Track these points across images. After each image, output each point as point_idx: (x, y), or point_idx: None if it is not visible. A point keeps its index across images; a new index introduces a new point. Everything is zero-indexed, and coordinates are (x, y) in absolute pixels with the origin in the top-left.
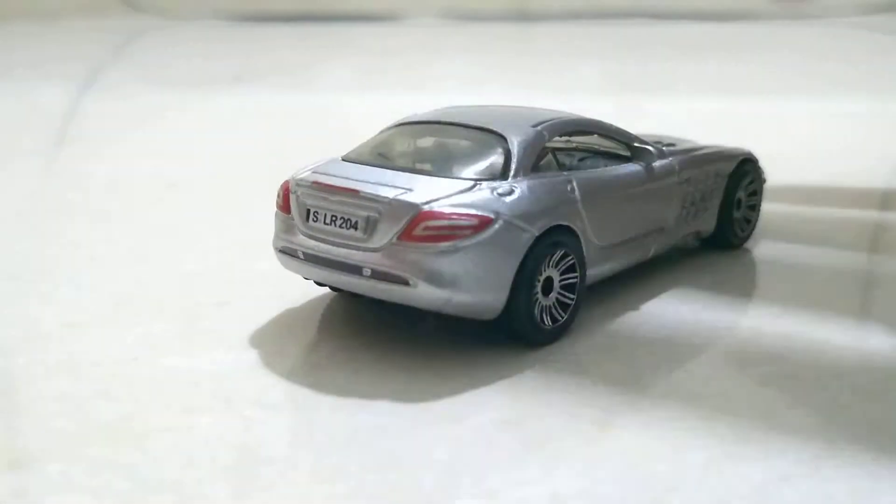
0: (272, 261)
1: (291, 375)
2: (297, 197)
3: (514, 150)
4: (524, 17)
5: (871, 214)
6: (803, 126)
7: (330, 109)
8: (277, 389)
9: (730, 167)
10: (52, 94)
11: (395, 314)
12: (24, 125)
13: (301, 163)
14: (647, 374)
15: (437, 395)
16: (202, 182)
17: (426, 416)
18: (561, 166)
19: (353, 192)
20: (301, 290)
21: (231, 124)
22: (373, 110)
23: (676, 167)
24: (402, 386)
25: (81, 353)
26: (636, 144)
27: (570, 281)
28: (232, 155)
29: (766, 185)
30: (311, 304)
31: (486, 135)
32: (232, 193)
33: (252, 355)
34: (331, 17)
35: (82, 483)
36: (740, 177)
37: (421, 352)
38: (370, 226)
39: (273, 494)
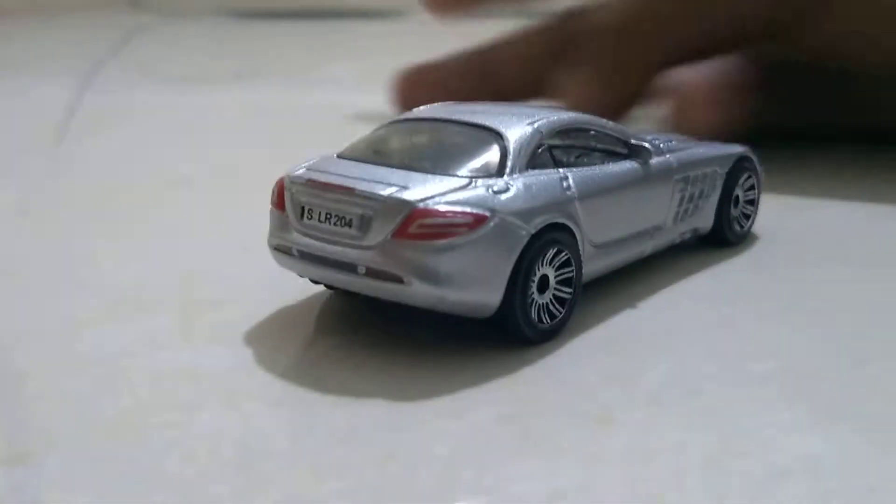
0: (271, 258)
1: (291, 372)
2: (292, 194)
3: (511, 147)
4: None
5: None
6: None
7: (330, 106)
8: (277, 385)
9: (727, 164)
10: (53, 90)
11: (395, 312)
12: (25, 121)
13: (301, 160)
14: (646, 370)
15: (436, 392)
16: (202, 179)
17: (426, 412)
18: (557, 164)
19: (348, 190)
20: (300, 287)
21: (232, 121)
22: (372, 108)
23: (674, 165)
24: (401, 382)
25: (82, 350)
26: (633, 142)
27: (567, 278)
28: (232, 152)
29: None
30: (310, 302)
31: (482, 132)
32: (232, 191)
33: (251, 352)
34: (331, 14)
35: (83, 478)
36: (738, 174)
37: (420, 349)
38: (365, 223)
39: (274, 489)
